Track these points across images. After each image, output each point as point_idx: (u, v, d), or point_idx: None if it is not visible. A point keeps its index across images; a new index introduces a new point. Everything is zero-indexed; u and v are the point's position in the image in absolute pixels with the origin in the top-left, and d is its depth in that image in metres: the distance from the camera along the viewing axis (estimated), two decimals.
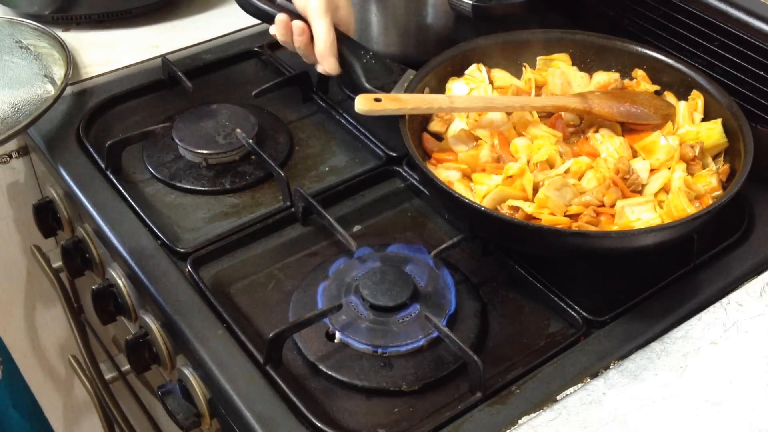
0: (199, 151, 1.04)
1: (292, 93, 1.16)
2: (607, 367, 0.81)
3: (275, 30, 1.02)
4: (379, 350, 0.82)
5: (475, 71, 1.02)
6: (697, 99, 0.97)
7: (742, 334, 0.83)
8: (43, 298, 1.35)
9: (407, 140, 0.89)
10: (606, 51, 1.04)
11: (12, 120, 1.03)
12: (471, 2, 1.06)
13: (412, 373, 0.81)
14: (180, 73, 1.15)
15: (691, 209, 0.84)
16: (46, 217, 1.15)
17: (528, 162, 0.90)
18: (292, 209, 0.98)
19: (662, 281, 0.89)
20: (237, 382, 0.80)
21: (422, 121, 0.98)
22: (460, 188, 0.89)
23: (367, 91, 0.97)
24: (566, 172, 0.89)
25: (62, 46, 1.15)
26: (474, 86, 1.00)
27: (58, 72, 1.12)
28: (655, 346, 0.82)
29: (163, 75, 1.18)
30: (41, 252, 1.19)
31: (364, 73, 0.99)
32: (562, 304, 0.87)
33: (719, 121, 0.94)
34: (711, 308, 0.86)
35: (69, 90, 1.14)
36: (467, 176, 0.91)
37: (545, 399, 0.78)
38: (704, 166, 0.92)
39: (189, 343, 0.84)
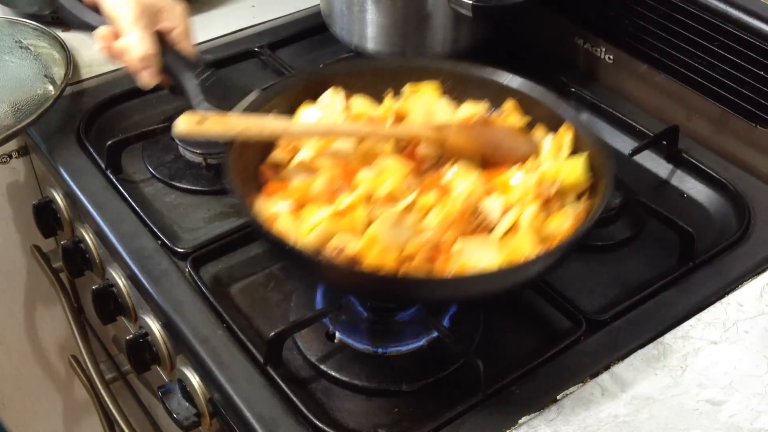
0: (199, 151, 1.04)
1: None
2: (607, 367, 0.80)
3: (98, 47, 0.96)
4: (379, 350, 0.82)
5: (330, 95, 0.91)
6: (566, 133, 0.87)
7: (742, 334, 0.83)
8: (43, 298, 1.35)
9: (227, 170, 0.78)
10: (475, 81, 0.94)
11: (12, 120, 1.03)
12: (471, 2, 1.06)
13: (412, 373, 0.81)
14: None
15: (534, 251, 0.75)
16: (46, 217, 1.15)
17: (370, 196, 0.79)
18: None
19: (662, 281, 0.89)
20: (237, 382, 0.80)
21: (265, 147, 0.86)
22: (286, 222, 0.77)
23: (197, 109, 0.89)
24: (410, 208, 0.78)
25: (62, 46, 1.15)
26: (325, 114, 0.89)
27: (58, 72, 1.12)
28: (655, 346, 0.82)
29: None
30: (41, 252, 1.19)
31: (203, 91, 0.93)
32: (562, 304, 0.87)
33: (583, 156, 0.84)
34: (711, 308, 0.86)
35: (69, 90, 1.14)
36: (302, 208, 0.80)
37: (545, 399, 0.78)
38: (563, 206, 0.82)
39: (189, 343, 0.84)
